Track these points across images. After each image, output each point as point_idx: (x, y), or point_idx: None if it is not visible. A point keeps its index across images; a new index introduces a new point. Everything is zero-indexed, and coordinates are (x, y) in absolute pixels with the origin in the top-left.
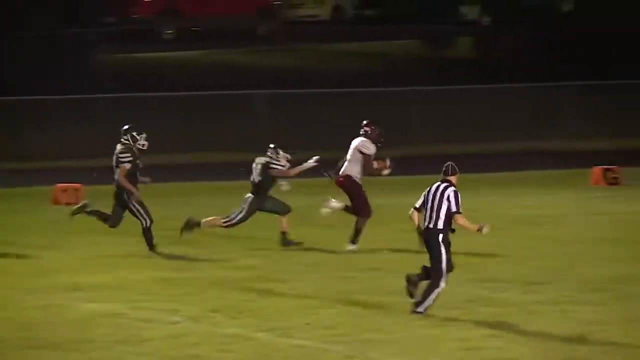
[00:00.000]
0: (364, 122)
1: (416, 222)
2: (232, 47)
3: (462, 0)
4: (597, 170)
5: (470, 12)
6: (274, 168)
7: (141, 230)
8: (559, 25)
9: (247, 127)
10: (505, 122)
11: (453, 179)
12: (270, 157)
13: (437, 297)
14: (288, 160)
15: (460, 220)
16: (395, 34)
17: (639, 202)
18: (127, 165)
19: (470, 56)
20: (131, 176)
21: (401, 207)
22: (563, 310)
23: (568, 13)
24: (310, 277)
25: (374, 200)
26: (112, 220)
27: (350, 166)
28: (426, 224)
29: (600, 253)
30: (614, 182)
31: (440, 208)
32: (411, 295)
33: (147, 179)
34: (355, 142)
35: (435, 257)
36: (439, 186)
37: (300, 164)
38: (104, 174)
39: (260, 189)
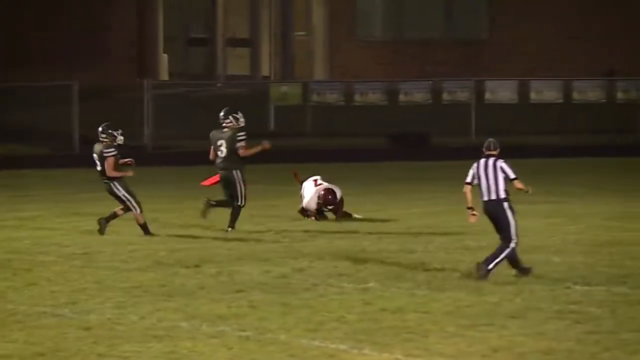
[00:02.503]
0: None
1: (469, 197)
2: None
3: None
4: None
5: None
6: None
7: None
8: None
9: None
10: None
11: (496, 153)
12: None
13: (506, 256)
14: None
15: (518, 184)
16: None
17: None
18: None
19: None
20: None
21: None
22: None
23: None
24: None
25: None
26: None
27: None
28: (486, 197)
29: None
30: None
31: (497, 179)
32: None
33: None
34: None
35: (504, 224)
36: (487, 161)
37: None
38: None
39: None
